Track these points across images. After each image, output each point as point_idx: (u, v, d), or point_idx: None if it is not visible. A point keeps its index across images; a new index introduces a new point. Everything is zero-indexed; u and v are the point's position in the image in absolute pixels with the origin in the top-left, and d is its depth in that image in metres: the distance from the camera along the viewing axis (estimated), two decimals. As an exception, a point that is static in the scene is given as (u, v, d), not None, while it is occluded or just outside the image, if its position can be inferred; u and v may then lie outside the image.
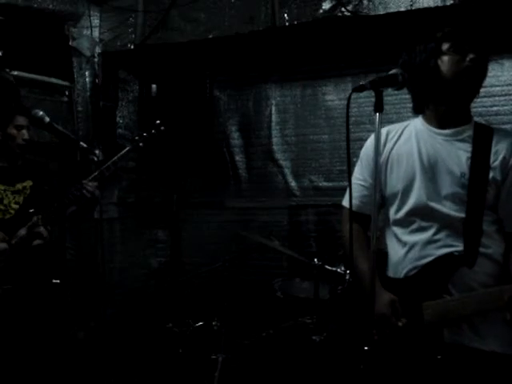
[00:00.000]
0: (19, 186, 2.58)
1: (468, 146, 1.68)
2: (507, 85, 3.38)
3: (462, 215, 1.64)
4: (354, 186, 1.83)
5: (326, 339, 2.61)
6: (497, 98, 3.38)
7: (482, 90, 3.58)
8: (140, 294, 4.08)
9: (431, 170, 1.70)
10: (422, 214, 1.71)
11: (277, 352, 2.82)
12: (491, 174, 1.63)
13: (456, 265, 1.63)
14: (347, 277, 2.68)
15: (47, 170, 2.73)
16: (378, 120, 1.44)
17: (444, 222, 1.67)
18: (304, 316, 2.84)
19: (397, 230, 1.78)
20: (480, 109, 3.33)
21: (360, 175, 1.87)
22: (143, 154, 4.29)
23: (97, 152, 3.72)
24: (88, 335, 3.50)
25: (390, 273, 1.80)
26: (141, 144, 2.74)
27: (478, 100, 3.58)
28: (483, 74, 1.69)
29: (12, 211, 2.50)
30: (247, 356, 2.89)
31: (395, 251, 1.79)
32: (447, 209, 1.66)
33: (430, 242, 1.69)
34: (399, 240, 1.77)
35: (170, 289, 3.72)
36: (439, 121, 1.74)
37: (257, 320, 3.18)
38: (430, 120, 1.76)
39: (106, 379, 3.14)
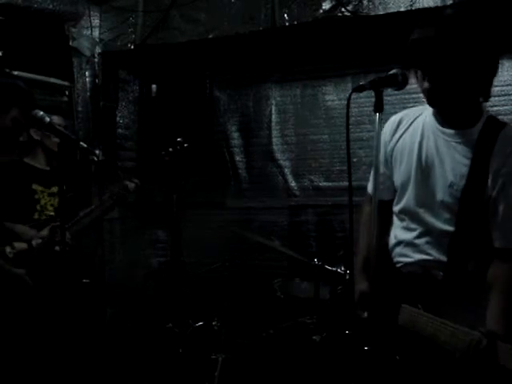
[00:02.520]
0: (54, 189, 2.62)
1: (468, 152, 1.57)
2: (507, 85, 3.38)
3: (450, 228, 1.59)
4: (372, 172, 1.85)
5: (326, 339, 2.61)
6: (496, 98, 3.38)
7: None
8: (140, 293, 4.08)
9: (427, 172, 1.65)
10: (410, 216, 1.70)
11: (277, 352, 2.82)
12: (487, 192, 1.54)
13: (437, 288, 1.59)
14: (347, 277, 2.68)
15: (75, 176, 2.77)
16: (377, 120, 1.43)
17: (427, 229, 1.65)
18: (304, 316, 2.84)
19: (396, 221, 1.78)
20: (480, 109, 3.33)
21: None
22: (143, 153, 4.31)
23: (97, 152, 3.72)
24: (88, 335, 3.50)
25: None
26: (167, 158, 2.78)
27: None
28: (457, 88, 1.52)
29: (47, 213, 2.54)
30: (247, 356, 2.89)
31: (391, 239, 1.79)
32: (433, 216, 1.63)
33: (410, 244, 1.69)
34: (395, 231, 1.77)
35: (170, 289, 3.72)
36: (440, 118, 1.66)
37: (257, 320, 3.17)
38: (434, 114, 1.68)
39: (106, 379, 3.14)
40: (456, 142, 1.61)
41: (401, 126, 1.76)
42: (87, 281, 2.64)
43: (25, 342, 2.45)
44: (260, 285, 3.56)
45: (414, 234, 1.68)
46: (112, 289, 3.87)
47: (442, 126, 1.64)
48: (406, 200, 1.70)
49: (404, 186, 1.71)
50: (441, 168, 1.62)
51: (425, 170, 1.66)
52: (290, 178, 4.03)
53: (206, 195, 4.23)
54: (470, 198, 1.55)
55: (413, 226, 1.69)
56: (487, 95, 1.59)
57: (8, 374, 2.37)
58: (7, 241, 2.41)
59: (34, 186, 2.58)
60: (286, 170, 4.04)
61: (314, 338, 2.64)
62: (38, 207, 2.56)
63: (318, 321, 2.73)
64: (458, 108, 1.59)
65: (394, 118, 1.80)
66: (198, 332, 3.04)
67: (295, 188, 4.02)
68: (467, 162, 1.57)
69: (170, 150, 2.80)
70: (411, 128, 1.73)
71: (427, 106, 1.68)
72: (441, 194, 1.61)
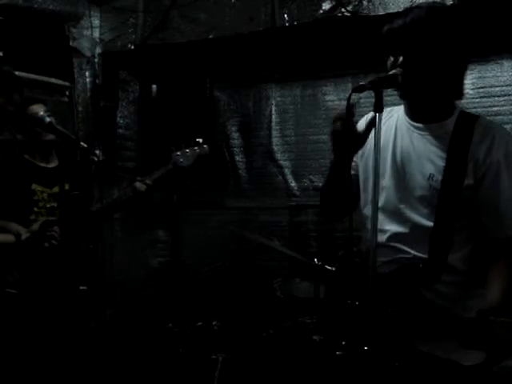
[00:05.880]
0: (56, 189, 2.59)
1: (444, 146, 1.56)
2: (507, 85, 3.37)
3: (430, 223, 1.57)
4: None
5: (326, 339, 2.62)
6: (496, 99, 3.38)
7: (481, 90, 3.58)
8: (140, 293, 4.08)
9: (404, 169, 1.63)
10: (388, 214, 1.66)
11: (277, 352, 2.82)
12: (466, 182, 1.53)
13: (420, 279, 1.56)
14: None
15: (82, 173, 2.76)
16: (377, 120, 1.43)
17: (405, 227, 1.62)
18: (304, 316, 2.85)
19: (366, 221, 1.73)
20: (480, 109, 3.33)
21: None
22: (143, 153, 4.31)
23: (97, 152, 3.72)
24: (88, 335, 3.50)
25: None
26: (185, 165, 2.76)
27: (478, 100, 3.59)
28: (427, 74, 1.51)
29: (45, 214, 2.53)
30: (247, 356, 2.89)
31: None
32: (414, 212, 1.60)
33: (383, 245, 1.64)
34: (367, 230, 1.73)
35: (170, 289, 3.72)
36: (411, 113, 1.65)
37: (257, 320, 3.18)
38: (406, 110, 1.68)
39: (106, 379, 3.14)
40: (431, 136, 1.60)
41: (371, 127, 1.70)
42: (84, 288, 2.61)
43: (24, 343, 2.45)
44: (260, 285, 3.56)
45: (387, 235, 1.65)
46: (112, 289, 3.87)
47: (415, 122, 1.64)
48: (385, 199, 1.67)
49: (380, 187, 1.66)
50: (418, 163, 1.60)
51: (401, 168, 1.64)
52: (290, 177, 4.04)
53: (205, 195, 4.23)
54: (448, 190, 1.54)
55: (386, 227, 1.66)
56: (460, 93, 1.61)
57: (8, 374, 2.37)
58: None
59: (34, 187, 2.56)
60: (286, 170, 4.05)
61: (314, 338, 2.64)
62: (36, 209, 2.54)
63: (317, 321, 2.73)
64: (429, 99, 1.58)
65: (365, 119, 1.78)
66: (198, 332, 3.04)
67: (295, 188, 4.03)
68: (444, 154, 1.56)
69: (187, 151, 2.75)
70: (385, 126, 1.70)
71: (398, 107, 1.70)
72: (420, 189, 1.59)
